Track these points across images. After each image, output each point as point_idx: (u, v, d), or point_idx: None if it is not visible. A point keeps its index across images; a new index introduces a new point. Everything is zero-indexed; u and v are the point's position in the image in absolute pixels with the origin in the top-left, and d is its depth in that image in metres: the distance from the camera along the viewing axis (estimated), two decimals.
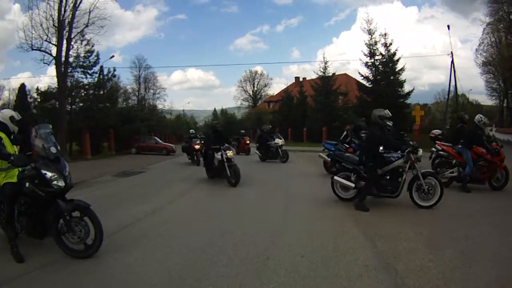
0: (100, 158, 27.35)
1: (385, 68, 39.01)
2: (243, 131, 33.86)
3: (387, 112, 9.05)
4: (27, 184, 5.19)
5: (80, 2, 26.86)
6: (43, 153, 5.25)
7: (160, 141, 37.81)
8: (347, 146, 13.88)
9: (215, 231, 6.71)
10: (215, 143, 12.89)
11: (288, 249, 5.64)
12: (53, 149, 5.28)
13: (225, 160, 12.38)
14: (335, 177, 9.08)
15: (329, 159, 14.07)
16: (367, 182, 8.53)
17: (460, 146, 10.96)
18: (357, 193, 8.74)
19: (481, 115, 10.81)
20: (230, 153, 12.58)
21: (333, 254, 5.41)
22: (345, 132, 15.02)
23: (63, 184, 5.20)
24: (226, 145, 13.08)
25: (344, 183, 8.91)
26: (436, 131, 15.25)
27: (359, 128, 14.04)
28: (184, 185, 12.89)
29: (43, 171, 5.11)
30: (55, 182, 5.12)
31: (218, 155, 12.55)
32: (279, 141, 21.77)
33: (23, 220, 5.36)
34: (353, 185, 8.76)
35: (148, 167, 20.77)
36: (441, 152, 11.35)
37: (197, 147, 20.19)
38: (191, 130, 23.37)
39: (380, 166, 8.48)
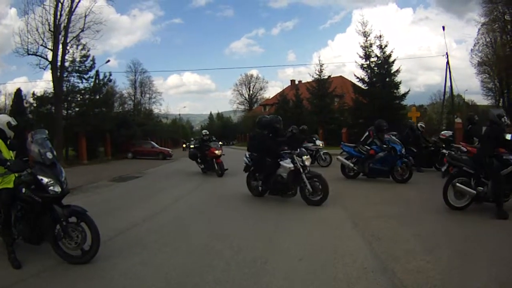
0: (97, 163, 27.30)
1: (381, 70, 39.06)
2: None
3: (502, 111, 8.69)
4: (23, 190, 5.17)
5: (76, 6, 26.95)
6: (39, 158, 5.24)
7: (157, 145, 37.75)
8: (368, 147, 13.60)
9: (212, 235, 6.71)
10: (275, 147, 10.02)
11: (285, 252, 5.64)
12: (49, 155, 5.27)
13: (301, 170, 9.39)
14: (457, 184, 8.11)
15: (348, 162, 14.01)
16: (495, 186, 7.73)
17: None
18: (485, 200, 8.05)
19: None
20: (307, 160, 9.66)
21: (331, 257, 5.40)
22: (366, 133, 14.41)
23: (60, 189, 5.18)
24: (302, 149, 10.42)
25: (465, 189, 8.04)
26: (447, 133, 15.24)
27: (381, 129, 13.86)
28: (181, 190, 12.89)
29: (40, 177, 5.10)
30: (51, 188, 5.10)
31: (286, 163, 9.54)
32: (319, 142, 20.01)
33: (20, 225, 5.33)
34: (474, 191, 7.97)
35: (144, 172, 20.73)
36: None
37: (217, 152, 16.95)
38: (204, 131, 19.78)
39: (501, 168, 7.92)
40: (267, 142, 10.16)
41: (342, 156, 14.58)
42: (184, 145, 30.36)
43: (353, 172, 14.09)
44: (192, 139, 33.92)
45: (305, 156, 9.66)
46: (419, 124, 16.07)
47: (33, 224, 5.28)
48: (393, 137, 13.37)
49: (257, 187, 10.57)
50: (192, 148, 26.88)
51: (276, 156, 9.90)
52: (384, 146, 13.10)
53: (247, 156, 10.97)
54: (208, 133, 19.08)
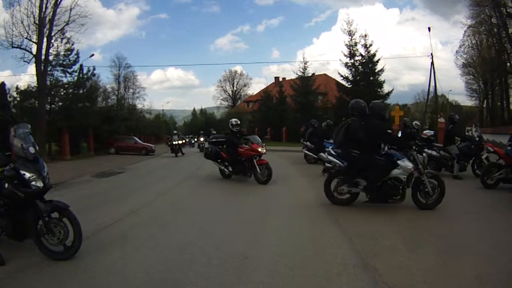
0: (79, 159, 27.01)
1: (365, 69, 39.47)
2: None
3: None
4: (6, 185, 5.14)
5: None
6: (21, 153, 5.19)
7: (140, 141, 37.52)
8: None
9: (194, 231, 6.74)
10: (396, 141, 9.09)
11: (267, 248, 5.68)
12: (31, 149, 5.23)
13: (422, 170, 8.38)
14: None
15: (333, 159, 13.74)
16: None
17: (509, 147, 10.79)
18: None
19: None
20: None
21: (312, 253, 5.47)
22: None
23: (42, 184, 5.16)
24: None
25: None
26: (429, 132, 15.32)
27: (404, 126, 13.96)
28: (163, 185, 12.87)
29: (22, 172, 5.07)
30: (33, 183, 5.07)
31: (406, 163, 8.18)
32: None
33: (3, 221, 5.28)
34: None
35: (127, 167, 20.62)
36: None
37: (262, 150, 13.17)
38: (234, 120, 14.39)
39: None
40: (385, 135, 8.64)
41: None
42: (167, 141, 30.49)
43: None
44: (203, 132, 35.19)
45: (424, 154, 8.90)
46: (414, 122, 15.98)
47: (16, 220, 5.25)
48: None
49: (351, 194, 8.70)
50: (207, 143, 25.85)
51: (389, 154, 8.42)
52: None
53: (332, 153, 8.87)
54: (239, 122, 14.27)
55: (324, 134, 18.26)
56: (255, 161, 12.94)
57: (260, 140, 13.85)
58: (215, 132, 31.12)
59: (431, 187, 8.19)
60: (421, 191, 8.27)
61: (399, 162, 8.15)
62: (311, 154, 19.03)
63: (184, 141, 39.59)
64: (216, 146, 14.33)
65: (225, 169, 13.96)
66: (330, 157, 8.80)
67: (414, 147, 8.47)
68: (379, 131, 8.32)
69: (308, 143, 19.64)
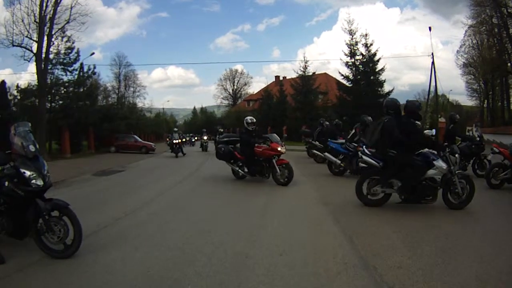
0: (80, 157, 26.97)
1: (365, 68, 39.47)
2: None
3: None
4: (6, 183, 5.13)
5: None
6: (21, 151, 5.20)
7: (140, 139, 37.48)
8: (356, 145, 13.43)
9: (194, 230, 6.74)
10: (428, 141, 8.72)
11: (266, 248, 5.68)
12: (31, 148, 5.24)
13: (454, 171, 8.28)
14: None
15: (335, 160, 13.99)
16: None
17: None
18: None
19: None
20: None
21: (312, 252, 5.48)
22: (353, 131, 14.64)
23: (42, 183, 5.17)
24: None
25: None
26: (429, 132, 15.22)
27: (365, 124, 13.78)
28: (163, 184, 12.86)
29: (22, 170, 5.08)
30: (33, 181, 5.09)
31: (441, 163, 8.10)
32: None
33: (3, 220, 5.28)
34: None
35: (127, 166, 20.57)
36: None
37: (282, 149, 12.45)
38: (249, 118, 13.50)
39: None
40: (422, 135, 8.65)
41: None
42: (168, 139, 29.40)
43: (339, 169, 14.11)
44: (220, 129, 33.01)
45: (457, 155, 8.59)
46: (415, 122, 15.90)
47: (17, 219, 5.25)
48: None
49: (384, 194, 8.50)
50: (218, 142, 24.96)
51: (424, 154, 8.29)
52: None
53: (367, 152, 8.70)
54: (254, 120, 13.47)
55: (333, 134, 17.41)
56: (274, 161, 12.28)
57: (279, 138, 13.10)
58: (222, 130, 31.32)
59: (461, 188, 8.15)
60: (452, 191, 8.21)
61: (434, 162, 8.08)
62: (319, 153, 18.26)
63: (184, 139, 38.51)
64: (225, 145, 13.56)
65: (240, 170, 13.25)
66: (365, 157, 8.62)
67: (448, 148, 8.42)
68: (416, 130, 8.27)
69: (317, 143, 19.36)
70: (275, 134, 13.53)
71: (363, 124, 13.93)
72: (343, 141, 14.89)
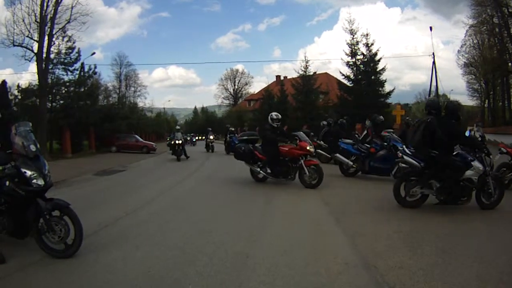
0: (81, 157, 27.05)
1: (366, 68, 39.32)
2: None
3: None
4: (7, 183, 5.14)
5: None
6: (22, 151, 5.20)
7: (141, 139, 37.51)
8: (368, 146, 13.46)
9: (195, 230, 6.75)
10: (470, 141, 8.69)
11: (267, 247, 5.68)
12: (32, 147, 5.24)
13: (488, 172, 8.27)
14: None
15: (347, 162, 13.75)
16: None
17: None
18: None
19: None
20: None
21: (313, 252, 5.47)
22: (365, 132, 14.38)
23: (43, 182, 5.17)
24: None
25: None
26: None
27: (377, 123, 13.80)
28: (164, 184, 12.88)
29: (23, 170, 5.07)
30: (34, 181, 5.09)
31: (478, 164, 8.08)
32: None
33: (4, 219, 5.28)
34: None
35: (128, 166, 20.63)
36: None
37: (311, 149, 11.70)
38: (274, 114, 12.50)
39: None
40: (462, 136, 8.47)
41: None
42: (168, 139, 27.74)
43: (351, 170, 13.87)
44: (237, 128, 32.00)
45: (491, 156, 8.60)
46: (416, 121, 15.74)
47: (17, 218, 5.26)
48: (394, 135, 13.23)
49: (422, 195, 8.29)
50: (235, 140, 23.28)
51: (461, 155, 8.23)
52: (385, 144, 12.95)
53: (408, 153, 8.48)
54: (280, 117, 12.46)
55: (338, 134, 16.90)
56: (302, 161, 11.41)
57: (307, 137, 12.17)
58: (233, 129, 30.43)
59: (493, 188, 8.10)
60: (485, 192, 8.16)
61: (472, 163, 8.02)
62: (324, 153, 17.17)
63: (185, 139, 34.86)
64: (244, 144, 12.62)
65: (261, 171, 12.24)
66: (406, 157, 8.42)
67: (485, 150, 8.34)
68: (457, 131, 8.14)
69: (322, 143, 18.40)
70: (302, 132, 12.54)
71: (374, 122, 13.90)
72: (350, 141, 14.57)
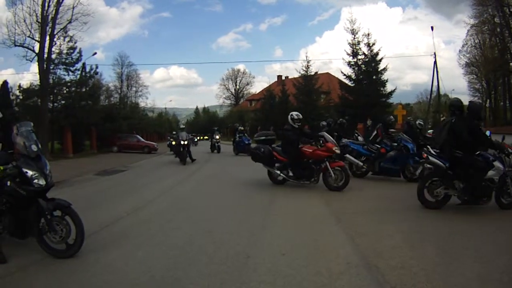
0: (82, 157, 27.10)
1: (368, 68, 39.39)
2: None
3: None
4: (8, 183, 5.14)
5: None
6: (24, 151, 5.21)
7: (142, 139, 37.55)
8: (379, 146, 13.19)
9: (196, 230, 6.75)
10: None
11: (268, 247, 5.68)
12: (34, 147, 5.24)
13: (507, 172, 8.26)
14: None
15: (358, 162, 13.32)
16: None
17: None
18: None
19: None
20: None
21: (314, 252, 5.46)
22: (375, 132, 13.89)
23: (44, 182, 5.17)
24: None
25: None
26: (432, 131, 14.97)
27: (389, 125, 13.66)
28: (165, 184, 12.91)
29: (24, 170, 5.08)
30: (36, 181, 5.09)
31: (499, 164, 8.14)
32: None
33: (5, 219, 5.29)
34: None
35: (129, 166, 20.66)
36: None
37: (337, 149, 11.27)
38: (295, 113, 11.78)
39: None
40: (483, 136, 8.25)
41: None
42: (170, 139, 27.10)
43: (361, 170, 13.60)
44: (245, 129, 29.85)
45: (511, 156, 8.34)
46: (417, 122, 15.52)
47: (19, 218, 5.26)
48: (405, 135, 13.09)
49: (445, 195, 8.24)
50: (245, 140, 23.55)
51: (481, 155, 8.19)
52: (395, 144, 12.86)
53: (432, 153, 8.50)
54: (301, 116, 11.81)
55: (339, 133, 15.62)
56: (328, 163, 10.86)
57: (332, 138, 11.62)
58: (242, 128, 29.00)
59: None
60: (504, 191, 8.11)
61: (494, 163, 8.01)
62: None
63: (193, 139, 33.42)
64: (262, 145, 11.99)
65: (281, 174, 11.60)
66: (432, 158, 8.37)
67: (506, 150, 8.27)
68: (480, 131, 8.07)
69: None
70: (325, 133, 11.90)
71: (385, 125, 13.77)
72: (360, 141, 14.65)
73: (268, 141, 12.31)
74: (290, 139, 11.43)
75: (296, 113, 11.84)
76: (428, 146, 8.92)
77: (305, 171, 11.26)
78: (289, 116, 11.81)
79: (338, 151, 11.18)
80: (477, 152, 8.12)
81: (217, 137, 30.52)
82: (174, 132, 30.69)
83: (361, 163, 13.34)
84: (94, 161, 23.23)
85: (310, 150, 11.12)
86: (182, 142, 20.53)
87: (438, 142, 8.57)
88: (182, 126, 26.74)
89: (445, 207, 8.13)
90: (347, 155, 13.39)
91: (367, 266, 4.85)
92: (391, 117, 13.87)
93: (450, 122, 8.21)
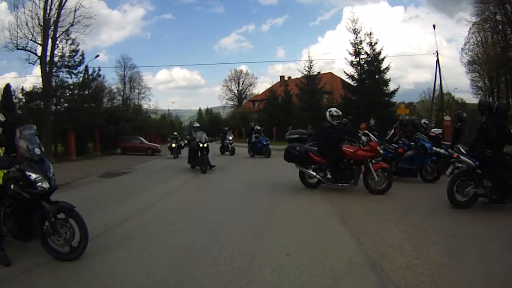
0: (85, 159, 27.16)
1: (370, 67, 39.36)
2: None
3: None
4: (12, 186, 5.15)
5: (66, 0, 26.72)
6: (27, 154, 5.21)
7: (145, 141, 37.54)
8: (396, 146, 12.83)
9: (200, 231, 6.74)
10: None
11: (273, 248, 5.67)
12: (37, 150, 5.25)
13: None
14: None
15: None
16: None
17: None
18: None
19: None
20: None
21: (318, 252, 5.44)
22: (392, 131, 13.51)
23: (48, 185, 5.17)
24: None
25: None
26: (437, 130, 14.73)
27: (412, 125, 13.40)
28: (169, 186, 12.92)
29: (28, 173, 5.08)
30: (39, 184, 5.09)
31: None
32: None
33: (9, 222, 5.29)
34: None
35: (133, 168, 20.67)
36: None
37: (380, 149, 11.03)
38: (333, 110, 11.17)
39: None
40: (511, 136, 8.07)
41: None
42: (170, 140, 26.24)
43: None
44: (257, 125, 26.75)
45: None
46: (422, 121, 15.25)
47: (22, 221, 5.27)
48: (423, 135, 12.88)
49: (473, 195, 8.13)
50: (262, 140, 22.18)
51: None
52: (412, 144, 12.55)
53: (463, 151, 8.34)
54: (340, 113, 11.07)
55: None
56: (371, 164, 10.10)
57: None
58: (259, 128, 26.60)
59: None
60: None
61: None
62: None
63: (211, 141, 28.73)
64: (295, 145, 11.06)
65: (317, 176, 10.70)
66: (463, 157, 8.26)
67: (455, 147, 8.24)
68: (508, 131, 7.97)
69: None
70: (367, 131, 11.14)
71: (402, 124, 13.57)
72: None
73: (300, 140, 11.69)
74: (331, 139, 10.56)
75: (335, 109, 11.12)
76: (459, 145, 8.72)
77: (345, 173, 10.40)
78: (327, 113, 11.04)
79: (382, 152, 10.86)
80: (505, 151, 8.08)
81: (230, 138, 28.04)
82: (175, 133, 30.61)
83: None
84: (98, 163, 23.26)
85: (352, 150, 10.26)
86: (200, 145, 16.62)
87: (468, 141, 8.55)
88: (196, 125, 20.54)
89: (448, 206, 8.11)
90: None
91: (372, 266, 4.84)
92: (406, 117, 13.55)
93: (480, 121, 8.17)
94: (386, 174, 10.11)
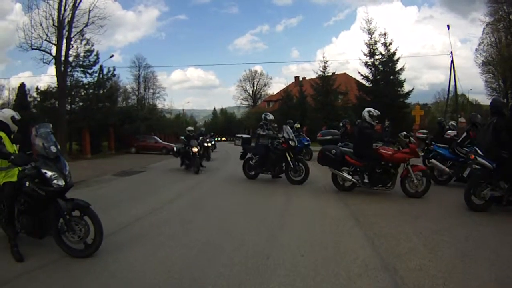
0: (100, 158, 27.39)
1: (385, 68, 39.14)
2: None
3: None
4: (27, 183, 5.19)
5: (80, 1, 26.89)
6: (43, 152, 5.26)
7: (160, 140, 37.71)
8: (467, 149, 10.80)
9: (215, 230, 6.76)
10: None
11: (287, 248, 5.65)
12: (53, 148, 5.29)
13: None
14: None
15: (443, 167, 11.41)
16: None
17: None
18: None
19: None
20: None
21: (333, 253, 5.42)
22: (464, 134, 12.19)
23: (63, 183, 5.20)
24: None
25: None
26: (452, 132, 13.63)
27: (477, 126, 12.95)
28: (184, 184, 12.94)
29: (43, 170, 5.12)
30: (55, 181, 5.12)
31: None
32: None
33: (23, 219, 5.36)
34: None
35: (148, 167, 20.80)
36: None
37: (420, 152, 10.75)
38: (370, 110, 10.59)
39: None
40: None
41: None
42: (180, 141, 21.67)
43: (443, 177, 11.97)
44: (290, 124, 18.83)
45: None
46: (450, 123, 14.89)
47: (36, 218, 5.31)
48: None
49: (491, 197, 7.89)
50: (303, 141, 19.27)
51: None
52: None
53: (480, 154, 8.14)
54: (379, 113, 10.60)
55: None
56: (409, 167, 9.69)
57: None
58: (299, 126, 22.72)
59: None
60: None
61: None
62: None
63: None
64: (339, 148, 10.69)
65: (353, 179, 10.30)
66: (480, 159, 8.02)
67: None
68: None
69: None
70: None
71: (474, 125, 12.17)
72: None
73: (333, 141, 11.43)
74: (365, 139, 10.10)
75: (374, 109, 10.59)
76: (476, 148, 8.53)
77: (382, 176, 9.98)
78: (366, 113, 10.50)
79: (420, 154, 10.24)
80: None
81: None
82: (190, 128, 29.04)
83: (447, 169, 11.57)
84: (112, 162, 23.44)
85: (389, 153, 9.84)
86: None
87: (483, 143, 8.25)
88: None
89: (462, 209, 8.04)
90: (433, 160, 12.03)
91: (386, 268, 4.81)
92: (479, 116, 12.85)
93: (492, 122, 8.01)
94: (424, 177, 9.67)
